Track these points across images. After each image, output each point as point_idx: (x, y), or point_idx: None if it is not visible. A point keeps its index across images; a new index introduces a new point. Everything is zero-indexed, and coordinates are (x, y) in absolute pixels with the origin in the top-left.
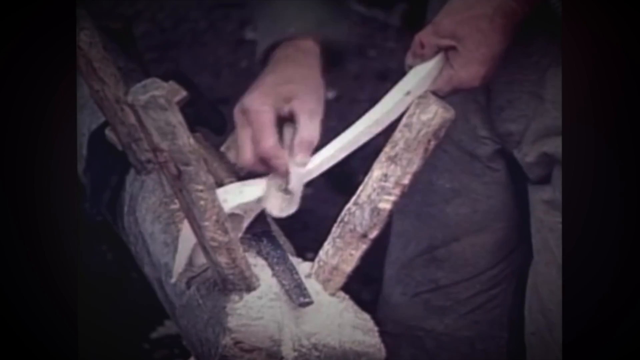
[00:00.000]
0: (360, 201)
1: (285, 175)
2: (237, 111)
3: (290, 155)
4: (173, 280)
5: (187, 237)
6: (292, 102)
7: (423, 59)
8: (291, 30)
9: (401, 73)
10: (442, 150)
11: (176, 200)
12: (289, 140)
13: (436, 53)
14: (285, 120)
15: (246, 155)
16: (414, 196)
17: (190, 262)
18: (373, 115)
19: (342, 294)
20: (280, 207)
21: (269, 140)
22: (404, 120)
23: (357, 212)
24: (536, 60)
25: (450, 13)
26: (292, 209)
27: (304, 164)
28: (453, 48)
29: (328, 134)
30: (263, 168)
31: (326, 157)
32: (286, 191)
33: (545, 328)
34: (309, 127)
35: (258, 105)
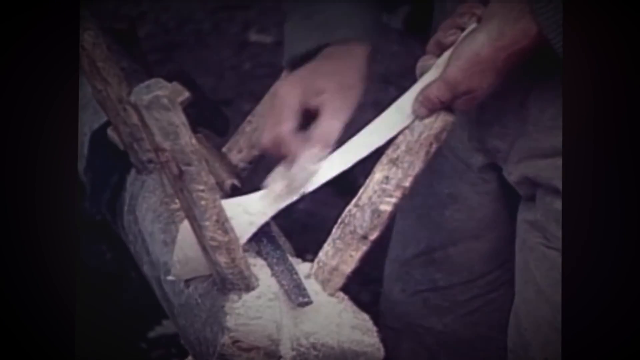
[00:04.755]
0: (361, 203)
1: (292, 164)
2: (268, 97)
3: (306, 147)
4: (170, 277)
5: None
6: (321, 96)
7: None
8: (341, 33)
9: (404, 76)
10: (442, 155)
11: (177, 200)
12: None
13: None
14: (313, 117)
15: (264, 138)
16: (416, 198)
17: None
18: (373, 132)
19: (341, 294)
20: (277, 193)
21: (286, 124)
22: None
23: (358, 214)
24: (520, 79)
25: (461, 65)
26: (287, 199)
27: (317, 159)
28: None
29: None
30: (276, 154)
31: (325, 170)
32: (289, 181)
33: (520, 347)
34: (329, 123)
35: (286, 90)
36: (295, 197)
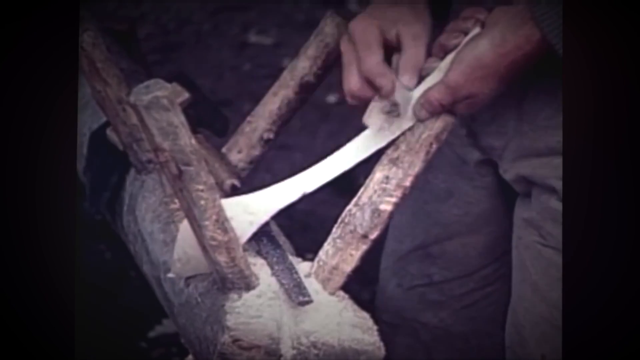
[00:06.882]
0: (361, 202)
1: (390, 95)
2: (343, 41)
3: (397, 78)
4: (170, 274)
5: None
6: (398, 25)
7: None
8: None
9: None
10: (439, 150)
11: (176, 200)
12: (395, 66)
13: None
14: (393, 49)
15: (352, 78)
16: (412, 192)
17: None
18: (374, 133)
19: (341, 293)
20: (380, 126)
21: (374, 56)
22: None
23: (358, 213)
24: (518, 79)
25: (463, 70)
26: (391, 132)
27: (411, 85)
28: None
29: (329, 138)
30: (369, 91)
31: (326, 170)
32: (390, 112)
33: (518, 344)
34: (413, 48)
35: (362, 25)
36: (398, 132)
